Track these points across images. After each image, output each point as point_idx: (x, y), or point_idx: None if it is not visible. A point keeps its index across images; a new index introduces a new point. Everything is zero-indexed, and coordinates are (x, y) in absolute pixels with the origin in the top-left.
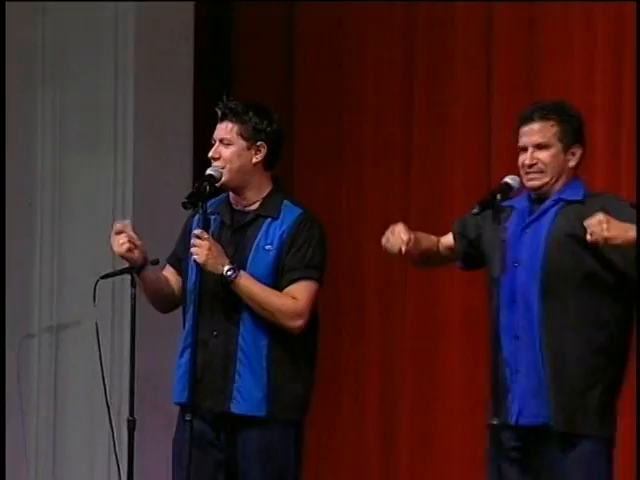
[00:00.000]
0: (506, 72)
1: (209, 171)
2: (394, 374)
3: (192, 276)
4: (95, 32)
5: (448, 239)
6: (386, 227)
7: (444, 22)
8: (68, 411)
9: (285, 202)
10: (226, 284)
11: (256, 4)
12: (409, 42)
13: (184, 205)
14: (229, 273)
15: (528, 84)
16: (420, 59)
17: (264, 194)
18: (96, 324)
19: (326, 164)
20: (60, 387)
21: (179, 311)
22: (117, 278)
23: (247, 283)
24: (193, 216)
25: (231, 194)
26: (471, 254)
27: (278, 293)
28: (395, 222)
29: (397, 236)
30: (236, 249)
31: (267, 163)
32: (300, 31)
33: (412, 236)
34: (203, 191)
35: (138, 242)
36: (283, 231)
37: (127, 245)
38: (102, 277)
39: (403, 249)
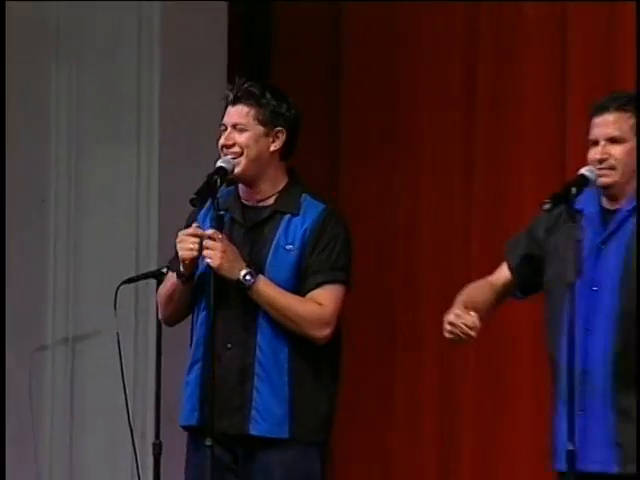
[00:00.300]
0: (583, 72)
1: (220, 163)
2: (454, 399)
3: (204, 280)
4: (116, 30)
5: (502, 276)
6: (445, 233)
7: (511, 22)
8: (86, 432)
9: (304, 196)
10: (243, 290)
11: (296, 4)
12: (471, 42)
13: (192, 202)
14: (247, 278)
15: (607, 84)
16: (484, 57)
17: (280, 187)
18: (117, 334)
19: (377, 165)
20: (77, 405)
21: None
22: (141, 283)
23: (266, 289)
24: (198, 211)
25: (242, 187)
26: (532, 281)
27: (301, 299)
28: (454, 228)
29: (460, 327)
30: (251, 250)
31: (284, 152)
32: (348, 31)
33: (475, 315)
34: (214, 185)
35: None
36: (305, 229)
37: (196, 253)
38: (124, 282)
39: (473, 334)
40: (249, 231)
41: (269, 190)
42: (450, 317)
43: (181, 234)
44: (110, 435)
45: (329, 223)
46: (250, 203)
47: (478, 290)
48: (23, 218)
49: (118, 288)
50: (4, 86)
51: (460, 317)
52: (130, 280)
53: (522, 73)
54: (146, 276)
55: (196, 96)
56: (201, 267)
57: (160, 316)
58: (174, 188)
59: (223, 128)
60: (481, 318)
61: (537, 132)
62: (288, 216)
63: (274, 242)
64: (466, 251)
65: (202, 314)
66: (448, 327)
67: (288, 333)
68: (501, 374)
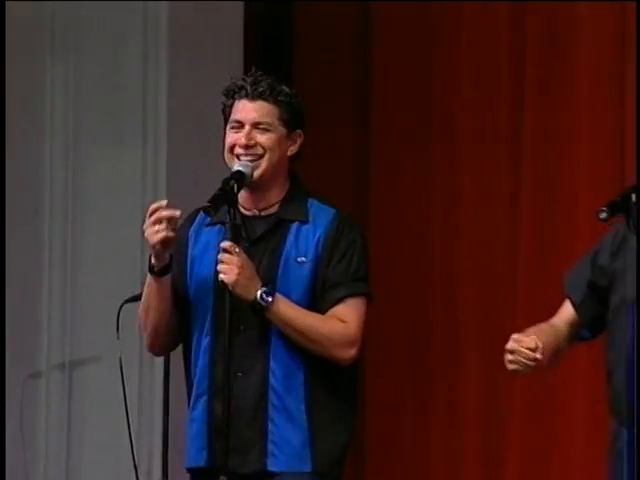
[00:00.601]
0: None
1: (237, 167)
2: (499, 413)
3: (204, 301)
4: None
5: (565, 315)
6: (487, 240)
7: (562, 22)
8: (84, 470)
9: (310, 201)
10: (258, 311)
11: (319, 4)
12: (518, 42)
13: (206, 210)
14: (267, 298)
15: None
16: (531, 59)
17: (283, 194)
18: (120, 359)
19: (410, 167)
20: (74, 439)
21: None
22: None
23: (286, 309)
24: (188, 227)
25: (244, 195)
26: (601, 316)
27: (322, 317)
28: (498, 234)
29: (523, 352)
30: (258, 266)
31: (296, 157)
32: (379, 31)
33: (534, 336)
34: (230, 192)
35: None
36: (318, 238)
37: (164, 234)
38: (128, 300)
39: (538, 356)
40: (254, 245)
41: (275, 197)
42: (508, 345)
43: (145, 225)
44: (112, 473)
45: (344, 229)
46: (250, 213)
47: (540, 332)
48: (15, 231)
49: (121, 307)
50: (4, 88)
51: (519, 341)
52: (134, 298)
53: (576, 73)
54: None
55: (206, 97)
56: (193, 287)
57: (145, 343)
58: (182, 194)
59: (237, 125)
60: (546, 364)
61: (593, 132)
62: (296, 224)
63: (284, 255)
64: (512, 260)
65: (205, 340)
66: (509, 357)
67: (303, 356)
68: (552, 391)
